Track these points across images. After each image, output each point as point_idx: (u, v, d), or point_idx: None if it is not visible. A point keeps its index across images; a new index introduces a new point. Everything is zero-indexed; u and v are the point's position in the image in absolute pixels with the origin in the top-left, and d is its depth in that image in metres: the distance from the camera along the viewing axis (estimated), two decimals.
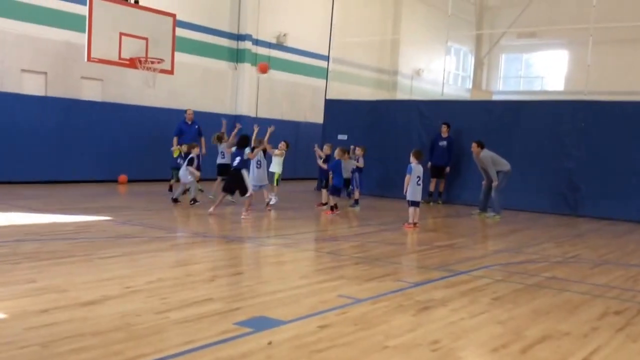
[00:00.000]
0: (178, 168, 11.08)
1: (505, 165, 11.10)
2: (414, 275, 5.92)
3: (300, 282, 5.49)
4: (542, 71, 27.26)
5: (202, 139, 12.37)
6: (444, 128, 13.41)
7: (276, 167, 11.39)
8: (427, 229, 9.73)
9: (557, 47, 25.37)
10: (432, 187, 13.46)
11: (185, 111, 12.96)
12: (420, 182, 9.31)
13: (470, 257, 7.31)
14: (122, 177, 14.14)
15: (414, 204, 9.20)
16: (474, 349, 3.98)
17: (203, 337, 3.73)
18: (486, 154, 11.18)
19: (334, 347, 3.71)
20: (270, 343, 3.71)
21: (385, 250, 7.44)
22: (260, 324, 4.08)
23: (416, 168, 9.22)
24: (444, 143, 13.35)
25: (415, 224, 9.16)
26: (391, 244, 7.90)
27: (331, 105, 15.96)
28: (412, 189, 9.17)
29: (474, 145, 11.37)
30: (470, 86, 26.87)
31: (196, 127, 12.59)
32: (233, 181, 9.48)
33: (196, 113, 13.12)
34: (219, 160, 11.58)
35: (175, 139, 12.31)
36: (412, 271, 6.16)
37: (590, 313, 4.89)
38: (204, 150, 12.20)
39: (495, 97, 24.82)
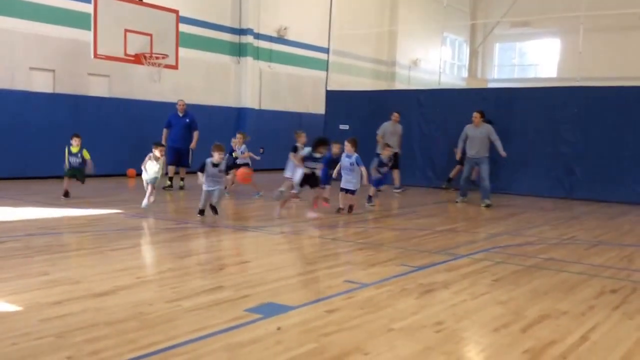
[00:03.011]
0: (72, 168, 9.70)
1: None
2: (416, 260, 5.90)
3: (307, 268, 5.47)
4: (536, 59, 27.13)
5: (195, 133, 11.71)
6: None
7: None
8: (428, 214, 9.69)
9: (549, 35, 25.23)
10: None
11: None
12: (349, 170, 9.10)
13: (471, 240, 7.28)
14: (131, 171, 14.09)
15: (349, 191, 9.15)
16: (477, 329, 3.95)
17: (214, 324, 3.71)
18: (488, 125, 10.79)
19: (341, 331, 3.68)
20: (279, 328, 3.69)
21: (388, 235, 7.41)
22: (269, 310, 4.06)
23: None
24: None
25: (343, 209, 9.09)
26: (393, 229, 7.87)
27: (332, 96, 15.88)
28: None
29: (477, 115, 10.82)
30: (466, 75, 26.75)
31: (187, 120, 11.81)
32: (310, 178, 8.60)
33: (201, 107, 13.07)
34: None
35: (164, 132, 11.81)
36: (415, 255, 6.13)
37: (587, 292, 4.86)
38: (194, 144, 11.68)
39: (490, 85, 24.71)
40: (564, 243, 7.25)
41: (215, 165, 7.87)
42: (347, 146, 9.21)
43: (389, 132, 12.49)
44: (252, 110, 17.31)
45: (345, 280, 4.96)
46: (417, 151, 14.24)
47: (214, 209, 8.01)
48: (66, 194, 9.51)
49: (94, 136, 13.59)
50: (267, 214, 8.94)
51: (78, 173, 9.67)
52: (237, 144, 11.14)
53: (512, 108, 13.02)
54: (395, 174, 12.44)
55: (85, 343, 3.31)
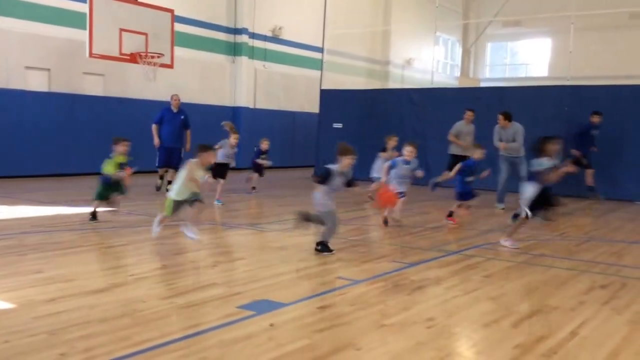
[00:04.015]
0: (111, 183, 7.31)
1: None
2: (408, 256, 5.89)
3: (299, 265, 5.45)
4: (527, 58, 27.18)
5: (188, 132, 10.88)
6: (596, 117, 11.50)
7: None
8: (421, 211, 9.69)
9: (540, 35, 25.28)
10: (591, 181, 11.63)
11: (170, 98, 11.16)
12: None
13: (462, 237, 7.28)
14: (126, 169, 14.02)
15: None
16: (468, 324, 3.95)
17: (207, 320, 3.69)
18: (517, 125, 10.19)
19: (333, 327, 3.67)
20: (272, 325, 3.67)
21: (380, 232, 7.40)
22: (262, 306, 4.04)
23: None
24: (596, 132, 11.61)
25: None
26: (386, 226, 7.86)
27: (326, 95, 15.85)
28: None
29: (501, 118, 10.24)
30: (459, 74, 26.78)
31: (181, 117, 10.90)
32: None
33: (196, 105, 12.97)
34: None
35: (154, 128, 10.73)
36: (407, 252, 6.12)
37: (577, 288, 4.87)
38: (188, 145, 10.85)
39: (482, 84, 24.74)
40: (555, 239, 7.26)
41: (341, 174, 5.79)
42: (410, 151, 7.65)
43: (464, 132, 11.32)
44: (246, 109, 17.27)
45: (338, 277, 4.95)
46: None
47: (324, 246, 5.84)
48: (94, 216, 7.28)
49: (89, 134, 13.54)
50: (260, 212, 8.92)
51: (119, 188, 7.39)
52: (265, 146, 11.24)
53: (503, 107, 13.00)
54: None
55: (78, 340, 3.28)
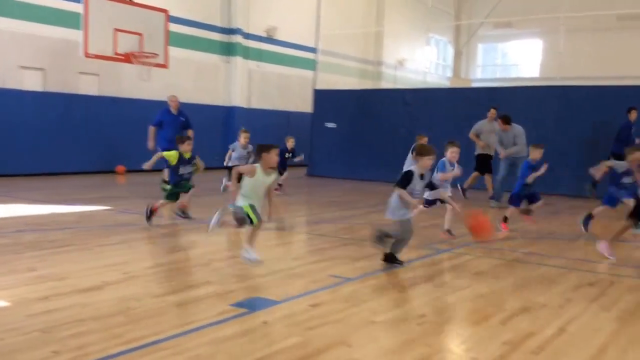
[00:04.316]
0: (179, 181, 7.24)
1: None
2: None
3: (292, 263, 5.45)
4: (518, 59, 27.27)
5: (191, 132, 9.98)
6: (634, 113, 10.91)
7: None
8: None
9: (531, 36, 25.38)
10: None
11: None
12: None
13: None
14: (120, 168, 13.98)
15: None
16: (458, 321, 3.97)
17: (200, 318, 3.68)
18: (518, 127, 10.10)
19: (325, 324, 3.67)
20: (265, 322, 3.67)
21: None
22: (255, 304, 4.04)
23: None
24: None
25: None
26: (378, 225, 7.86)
27: (319, 95, 15.86)
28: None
29: (500, 122, 10.18)
30: (451, 75, 26.85)
31: (182, 119, 10.33)
32: None
33: (191, 105, 12.92)
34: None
35: (152, 131, 10.09)
36: None
37: (566, 285, 4.89)
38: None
39: (473, 85, 24.82)
40: (544, 238, 7.29)
41: (421, 177, 5.33)
42: (455, 151, 6.82)
43: (486, 130, 11.01)
44: (241, 109, 17.24)
45: (330, 275, 4.95)
46: (402, 149, 14.26)
47: (392, 258, 5.35)
48: (150, 215, 6.98)
49: (84, 133, 13.49)
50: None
51: (185, 185, 7.25)
52: (290, 145, 11.24)
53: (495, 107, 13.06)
54: (488, 180, 10.90)
55: (71, 338, 3.27)
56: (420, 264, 5.55)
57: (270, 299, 4.16)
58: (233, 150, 10.42)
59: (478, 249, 6.34)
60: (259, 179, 5.01)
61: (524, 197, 7.55)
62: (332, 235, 7.00)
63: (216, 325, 3.56)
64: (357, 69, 21.48)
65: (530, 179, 7.45)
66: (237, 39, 17.08)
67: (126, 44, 12.09)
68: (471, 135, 11.20)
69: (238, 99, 17.23)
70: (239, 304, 3.99)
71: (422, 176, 5.29)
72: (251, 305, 4.01)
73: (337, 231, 7.36)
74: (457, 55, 26.94)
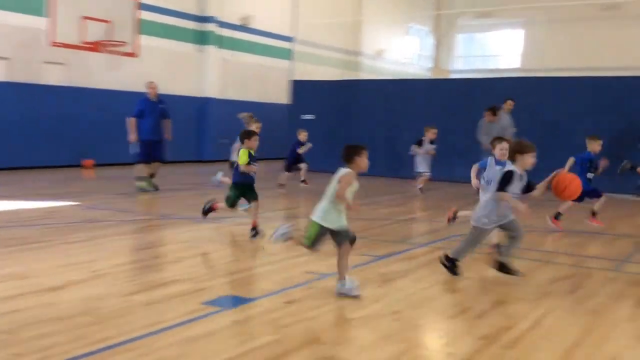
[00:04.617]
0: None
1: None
2: (377, 249, 5.93)
3: (266, 260, 5.44)
4: (499, 50, 27.51)
5: (168, 122, 10.07)
6: None
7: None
8: (392, 204, 9.77)
9: (512, 26, 25.63)
10: None
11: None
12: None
13: (431, 229, 7.37)
14: (88, 162, 13.79)
15: None
16: (434, 316, 4.01)
17: (170, 317, 3.66)
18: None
19: (299, 322, 3.68)
20: (237, 321, 3.66)
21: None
22: (227, 302, 4.04)
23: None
24: None
25: None
26: (355, 219, 7.89)
27: (297, 86, 15.82)
28: None
29: (488, 113, 10.21)
30: (431, 65, 26.99)
31: (161, 106, 10.08)
32: None
33: (163, 96, 12.67)
34: None
35: (132, 122, 9.71)
36: (376, 245, 6.16)
37: (542, 279, 4.98)
38: (169, 134, 10.13)
39: (453, 76, 25.00)
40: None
41: (520, 178, 4.84)
42: (504, 148, 5.97)
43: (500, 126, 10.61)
44: (214, 99, 17.11)
45: (305, 271, 4.96)
46: (381, 141, 14.33)
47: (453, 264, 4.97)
48: (255, 231, 6.34)
49: (50, 126, 13.24)
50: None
51: (248, 191, 6.40)
52: (303, 138, 11.19)
53: (476, 98, 13.17)
54: None
55: (35, 339, 3.22)
56: (397, 259, 5.60)
57: (243, 297, 4.16)
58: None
59: (455, 244, 6.40)
60: (354, 185, 4.34)
61: (586, 193, 6.92)
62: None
63: (187, 325, 3.55)
64: (335, 59, 21.46)
65: (600, 169, 7.25)
66: (211, 27, 16.92)
67: (94, 32, 11.91)
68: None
69: (212, 90, 17.09)
70: (211, 302, 3.98)
71: (521, 177, 4.81)
72: (223, 303, 4.00)
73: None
74: (438, 45, 27.10)
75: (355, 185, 4.34)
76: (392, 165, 14.30)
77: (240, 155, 6.16)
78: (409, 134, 13.74)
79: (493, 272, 5.19)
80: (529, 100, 12.73)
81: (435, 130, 10.57)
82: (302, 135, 11.44)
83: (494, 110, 10.38)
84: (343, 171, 4.31)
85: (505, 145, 6.04)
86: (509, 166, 4.82)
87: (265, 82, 18.57)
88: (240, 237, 6.66)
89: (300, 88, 15.69)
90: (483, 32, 27.27)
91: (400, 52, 24.10)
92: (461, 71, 26.16)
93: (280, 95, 17.81)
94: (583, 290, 4.68)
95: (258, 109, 17.91)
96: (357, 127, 14.27)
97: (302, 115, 14.91)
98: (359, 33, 22.71)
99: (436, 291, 4.53)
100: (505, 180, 4.73)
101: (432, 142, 10.65)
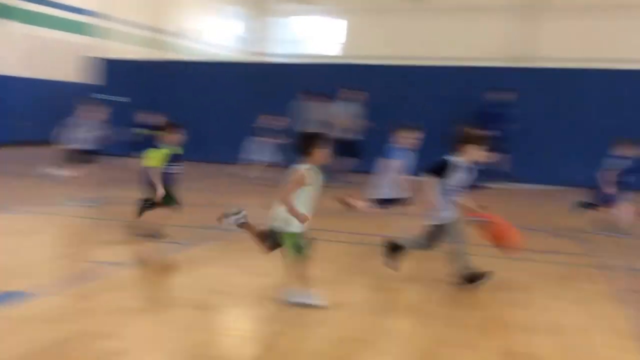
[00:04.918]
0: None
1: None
2: (181, 236, 5.79)
3: (50, 252, 5.08)
4: (318, 36, 28.36)
5: None
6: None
7: None
8: (199, 188, 9.67)
9: (328, 13, 26.80)
10: None
11: None
12: None
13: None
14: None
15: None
16: (244, 305, 4.05)
17: None
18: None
19: (84, 316, 3.51)
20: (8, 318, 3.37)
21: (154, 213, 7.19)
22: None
23: None
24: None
25: None
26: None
27: (109, 66, 14.89)
28: None
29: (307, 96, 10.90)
30: (246, 48, 27.11)
31: None
32: None
33: None
34: None
35: None
36: (181, 232, 5.99)
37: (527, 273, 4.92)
38: None
39: (268, 59, 25.43)
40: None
41: (469, 170, 4.52)
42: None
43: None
44: (5, 77, 15.36)
45: (93, 262, 4.73)
46: (193, 126, 14.03)
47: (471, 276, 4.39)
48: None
49: None
50: (21, 194, 8.04)
51: (171, 199, 5.64)
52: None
53: (291, 84, 13.23)
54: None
55: None
56: (203, 247, 5.57)
57: (17, 291, 3.83)
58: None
59: None
60: (311, 186, 3.83)
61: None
62: (103, 218, 6.68)
63: None
64: (140, 36, 20.49)
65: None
66: None
67: None
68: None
69: (2, 67, 15.31)
70: None
71: (469, 169, 4.46)
72: None
73: (114, 213, 6.99)
74: (253, 28, 27.32)
75: (313, 185, 3.79)
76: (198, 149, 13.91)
77: (156, 158, 5.38)
78: (217, 121, 13.59)
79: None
80: (334, 87, 13.20)
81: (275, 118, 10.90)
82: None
83: (311, 95, 10.85)
84: (295, 168, 3.79)
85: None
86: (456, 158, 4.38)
87: (63, 60, 16.99)
88: (22, 228, 6.05)
89: (113, 68, 14.84)
90: (301, 16, 27.98)
91: (213, 32, 23.89)
92: (275, 55, 26.64)
93: (83, 73, 16.49)
94: (565, 287, 5.05)
95: (48, 88, 16.35)
96: (170, 109, 13.81)
97: (113, 97, 13.87)
98: (167, 10, 21.94)
99: (244, 277, 4.58)
100: (439, 165, 4.34)
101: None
